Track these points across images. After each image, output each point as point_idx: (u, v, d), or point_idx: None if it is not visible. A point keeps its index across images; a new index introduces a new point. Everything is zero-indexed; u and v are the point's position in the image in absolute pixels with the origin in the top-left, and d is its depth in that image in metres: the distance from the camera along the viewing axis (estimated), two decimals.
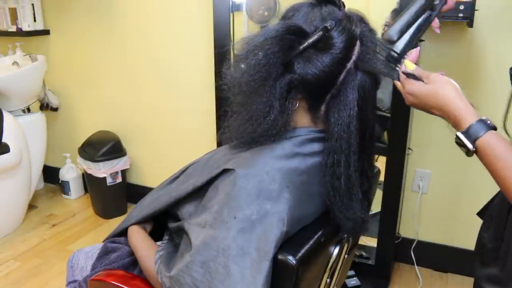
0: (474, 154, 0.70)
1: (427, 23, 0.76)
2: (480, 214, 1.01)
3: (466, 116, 0.68)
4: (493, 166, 0.67)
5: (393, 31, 0.73)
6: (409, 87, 0.75)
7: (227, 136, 0.82)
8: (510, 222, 0.83)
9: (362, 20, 0.79)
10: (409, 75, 0.76)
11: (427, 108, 0.74)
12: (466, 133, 0.68)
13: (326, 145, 0.77)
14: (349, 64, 0.75)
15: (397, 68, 0.77)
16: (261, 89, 0.73)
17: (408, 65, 0.77)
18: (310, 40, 0.72)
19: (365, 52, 0.76)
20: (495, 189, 0.91)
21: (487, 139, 0.67)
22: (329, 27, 0.72)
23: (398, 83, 0.79)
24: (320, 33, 0.72)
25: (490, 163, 0.67)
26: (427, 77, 0.75)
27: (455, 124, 0.70)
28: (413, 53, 0.80)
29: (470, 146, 0.67)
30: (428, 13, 0.76)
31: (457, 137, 0.69)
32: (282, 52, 0.72)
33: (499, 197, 0.87)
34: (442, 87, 0.72)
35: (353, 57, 0.75)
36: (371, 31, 0.79)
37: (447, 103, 0.71)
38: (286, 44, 0.72)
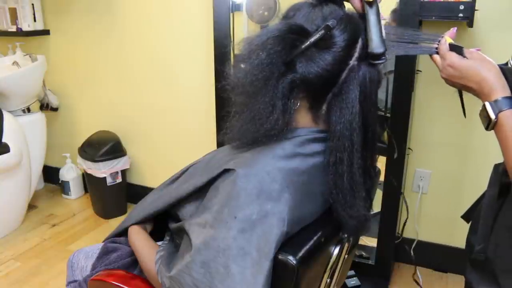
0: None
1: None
2: (465, 216, 1.02)
3: (499, 91, 0.73)
4: (507, 140, 0.70)
5: (375, 45, 0.74)
6: (452, 59, 0.79)
7: (230, 137, 0.82)
8: (498, 223, 0.83)
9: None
10: (456, 47, 0.80)
11: (464, 81, 0.78)
12: (493, 104, 0.72)
13: (329, 144, 0.77)
14: (351, 62, 0.75)
15: (435, 44, 0.82)
16: (264, 88, 0.73)
17: (449, 41, 0.82)
18: (312, 39, 0.72)
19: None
20: None
21: (509, 114, 0.71)
22: (331, 26, 0.72)
23: (436, 57, 0.83)
24: (322, 31, 0.72)
25: (505, 136, 0.71)
26: (470, 53, 0.79)
27: (487, 96, 0.74)
28: (451, 31, 0.84)
29: (493, 116, 0.71)
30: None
31: (483, 107, 0.73)
32: (285, 52, 0.72)
33: (486, 199, 0.88)
34: (484, 64, 0.76)
35: (355, 55, 0.75)
36: None
37: (486, 79, 0.74)
38: (288, 43, 0.73)
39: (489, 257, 0.84)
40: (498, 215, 0.84)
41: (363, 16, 0.77)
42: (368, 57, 0.75)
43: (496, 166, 0.89)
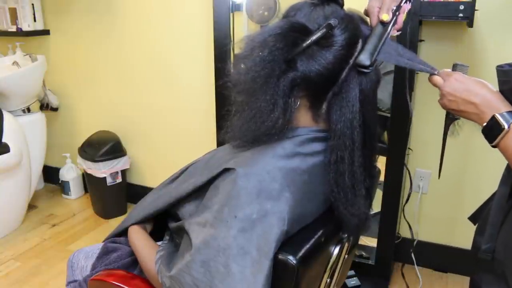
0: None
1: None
2: (472, 218, 1.01)
3: (506, 106, 0.75)
4: None
5: (365, 57, 0.77)
6: (459, 75, 0.81)
7: (230, 136, 0.82)
8: (507, 223, 0.83)
9: (362, 19, 0.80)
10: (463, 67, 0.84)
11: (468, 95, 0.78)
12: (503, 115, 0.74)
13: (329, 143, 0.77)
14: (352, 61, 0.75)
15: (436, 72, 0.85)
16: (265, 86, 0.73)
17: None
18: (314, 37, 0.72)
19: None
20: (495, 189, 0.91)
21: None
22: (333, 24, 0.73)
23: (436, 77, 0.84)
24: (324, 30, 0.73)
25: None
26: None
27: (494, 110, 0.75)
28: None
29: (505, 125, 0.73)
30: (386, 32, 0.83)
31: (493, 119, 0.75)
32: (286, 49, 0.72)
33: (496, 198, 0.88)
34: (486, 83, 0.79)
35: (355, 55, 0.76)
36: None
37: (493, 93, 0.77)
38: (290, 41, 0.73)
39: (498, 258, 0.83)
40: (507, 216, 0.83)
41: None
42: (355, 63, 0.76)
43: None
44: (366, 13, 0.85)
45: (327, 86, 0.76)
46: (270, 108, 0.73)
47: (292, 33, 0.73)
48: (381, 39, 0.78)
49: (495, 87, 0.79)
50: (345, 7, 0.82)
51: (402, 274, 1.87)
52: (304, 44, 0.73)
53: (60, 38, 2.50)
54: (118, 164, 2.37)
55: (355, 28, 0.76)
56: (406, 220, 1.89)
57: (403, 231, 1.97)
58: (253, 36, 0.75)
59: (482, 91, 0.77)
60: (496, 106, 0.75)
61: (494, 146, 0.76)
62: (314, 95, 0.78)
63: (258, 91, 0.74)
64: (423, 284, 1.88)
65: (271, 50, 0.72)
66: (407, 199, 1.83)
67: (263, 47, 0.72)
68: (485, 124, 0.76)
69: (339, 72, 0.75)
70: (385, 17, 0.80)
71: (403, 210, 1.84)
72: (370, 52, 0.76)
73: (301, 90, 0.76)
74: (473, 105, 0.78)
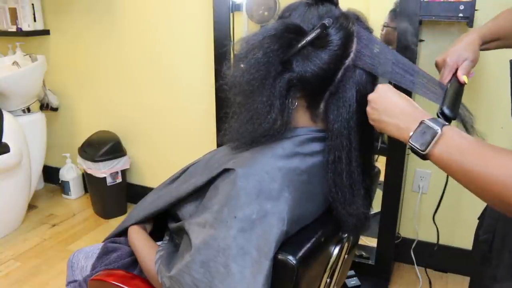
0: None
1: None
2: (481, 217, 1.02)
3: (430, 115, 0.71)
4: (465, 154, 0.64)
5: (449, 111, 0.80)
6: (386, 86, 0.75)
7: (228, 138, 0.83)
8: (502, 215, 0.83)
9: (358, 18, 0.80)
10: None
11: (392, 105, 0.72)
12: (433, 120, 0.67)
13: (327, 142, 0.77)
14: (347, 61, 0.75)
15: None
16: (261, 87, 0.73)
17: None
18: (309, 38, 0.72)
19: (362, 50, 0.76)
20: None
21: (450, 127, 0.67)
22: (327, 24, 0.73)
23: None
24: (318, 30, 0.73)
25: (457, 150, 0.64)
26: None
27: (420, 117, 0.69)
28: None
29: (438, 128, 0.65)
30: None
31: (423, 123, 0.67)
32: (281, 51, 0.72)
33: None
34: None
35: (351, 54, 0.76)
36: (368, 29, 0.80)
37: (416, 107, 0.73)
38: (285, 42, 0.73)
39: (496, 249, 0.83)
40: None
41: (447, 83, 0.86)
42: (440, 111, 0.79)
43: None
44: (441, 63, 0.89)
45: (324, 86, 0.76)
46: (267, 109, 0.73)
47: (286, 34, 0.73)
48: (460, 97, 0.84)
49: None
50: (344, 7, 0.81)
51: (402, 274, 1.87)
52: (299, 45, 0.73)
53: (60, 38, 2.50)
54: (118, 164, 2.37)
55: (350, 27, 0.75)
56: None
57: (403, 231, 1.97)
58: (248, 38, 0.75)
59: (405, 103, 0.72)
60: (420, 115, 0.69)
61: (425, 158, 0.66)
62: (311, 95, 0.78)
63: (254, 92, 0.74)
64: (423, 284, 1.88)
65: (265, 51, 0.72)
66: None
67: (258, 48, 0.72)
68: (411, 133, 0.67)
69: (335, 72, 0.75)
70: (466, 80, 0.85)
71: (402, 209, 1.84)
72: (456, 108, 0.81)
73: (298, 90, 0.76)
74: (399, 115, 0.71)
